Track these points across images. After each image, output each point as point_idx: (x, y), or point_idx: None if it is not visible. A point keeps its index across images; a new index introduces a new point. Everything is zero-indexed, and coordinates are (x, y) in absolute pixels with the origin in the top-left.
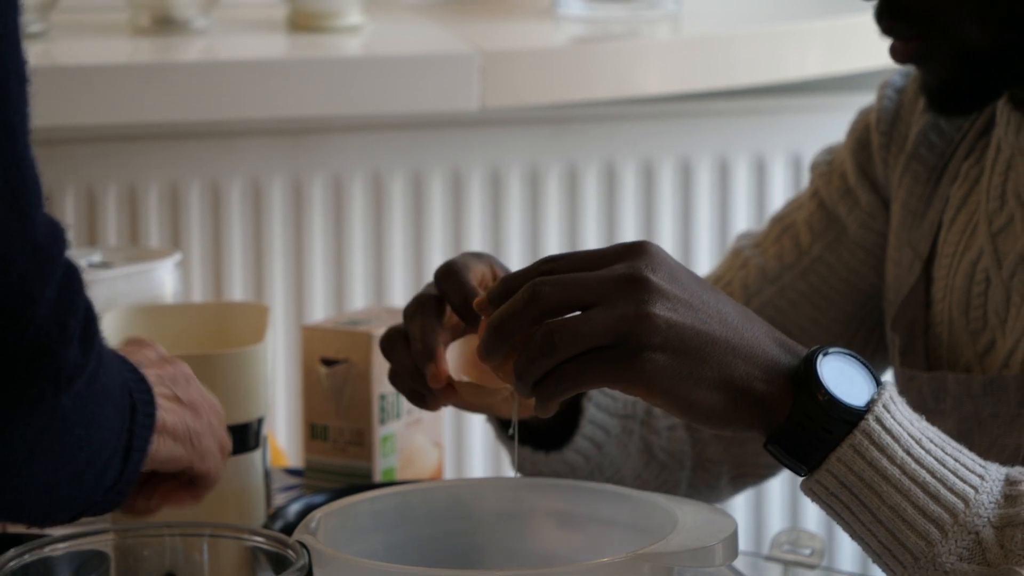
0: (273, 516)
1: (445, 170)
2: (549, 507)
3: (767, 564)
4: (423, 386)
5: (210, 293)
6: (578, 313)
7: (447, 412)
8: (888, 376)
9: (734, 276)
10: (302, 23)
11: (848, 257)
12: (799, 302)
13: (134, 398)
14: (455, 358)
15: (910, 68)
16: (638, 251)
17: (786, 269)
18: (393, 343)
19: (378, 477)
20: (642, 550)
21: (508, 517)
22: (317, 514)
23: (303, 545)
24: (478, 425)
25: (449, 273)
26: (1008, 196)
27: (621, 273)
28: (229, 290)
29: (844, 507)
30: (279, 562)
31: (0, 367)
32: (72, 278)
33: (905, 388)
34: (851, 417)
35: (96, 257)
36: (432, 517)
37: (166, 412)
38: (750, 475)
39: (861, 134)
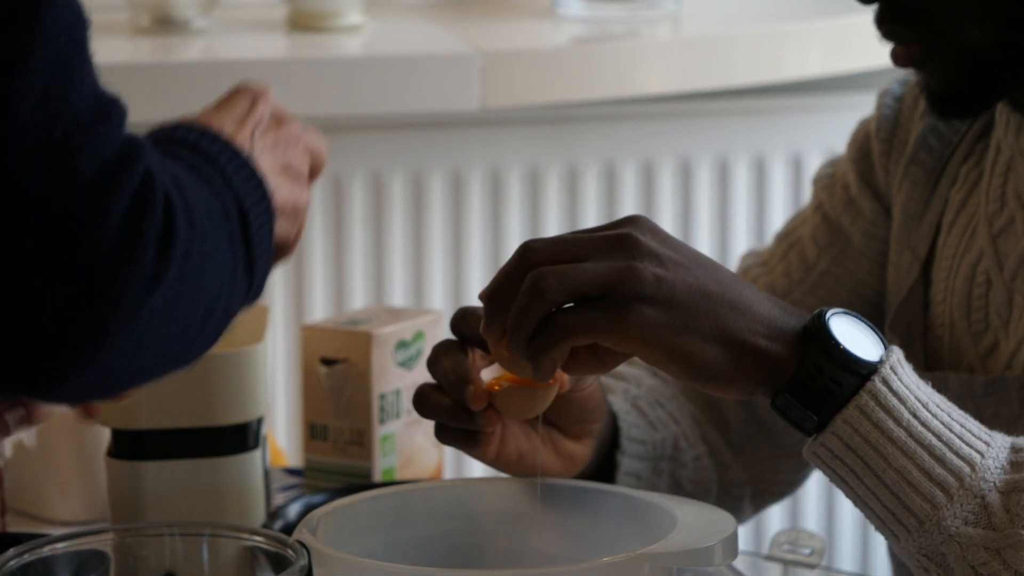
0: (273, 516)
1: (445, 170)
2: (549, 507)
3: (767, 564)
4: (469, 422)
5: None
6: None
7: None
8: None
9: None
10: (302, 23)
11: (854, 268)
12: None
13: (247, 214)
14: (490, 380)
15: (908, 76)
16: (633, 219)
17: (794, 286)
18: (425, 395)
19: (378, 477)
20: (642, 550)
21: (508, 517)
22: (317, 514)
23: (303, 545)
24: None
25: (464, 316)
26: (1008, 197)
27: (611, 233)
28: None
29: (848, 470)
30: (279, 562)
31: (76, 281)
32: (148, 181)
33: None
34: (862, 370)
35: None
36: (432, 517)
37: (277, 190)
38: (768, 492)
39: (862, 144)
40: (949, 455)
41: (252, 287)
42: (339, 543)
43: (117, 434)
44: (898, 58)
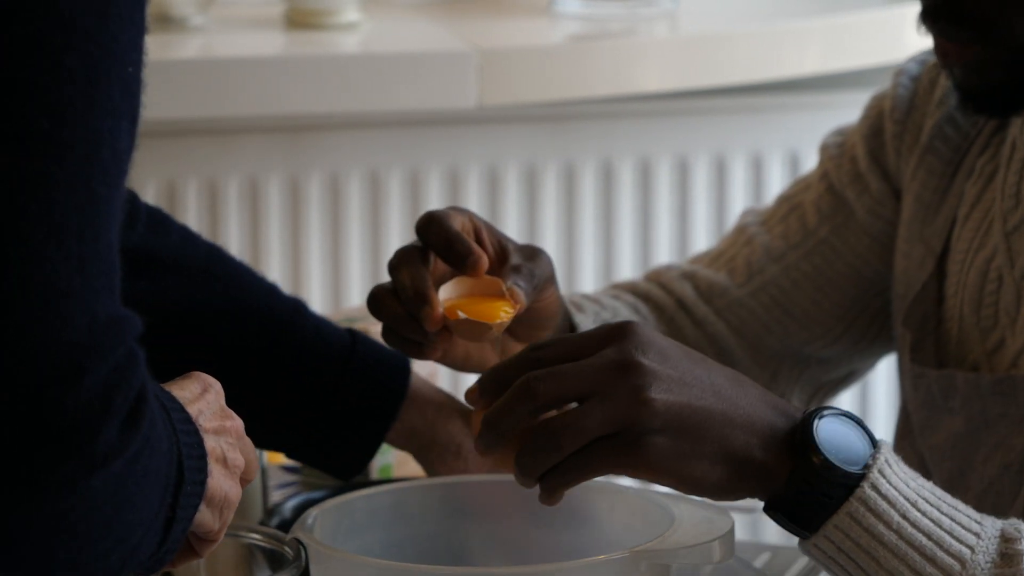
0: (270, 513)
1: (442, 167)
2: (545, 504)
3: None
4: (419, 334)
5: None
6: (575, 406)
7: None
8: (884, 377)
9: (738, 252)
10: (299, 20)
11: (854, 242)
12: (802, 283)
13: (184, 467)
14: (446, 299)
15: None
16: (625, 334)
17: (791, 249)
18: (380, 298)
19: (375, 474)
20: (639, 547)
21: (504, 514)
22: (314, 511)
23: (300, 542)
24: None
25: (430, 221)
26: (1023, 196)
27: (613, 359)
28: None
29: (842, 569)
30: (276, 559)
31: (34, 437)
32: (132, 361)
33: (914, 386)
34: (848, 481)
35: None
36: (428, 514)
37: (212, 479)
38: None
39: (874, 121)
40: (940, 554)
41: (160, 550)
42: (336, 540)
43: None
44: (947, 56)
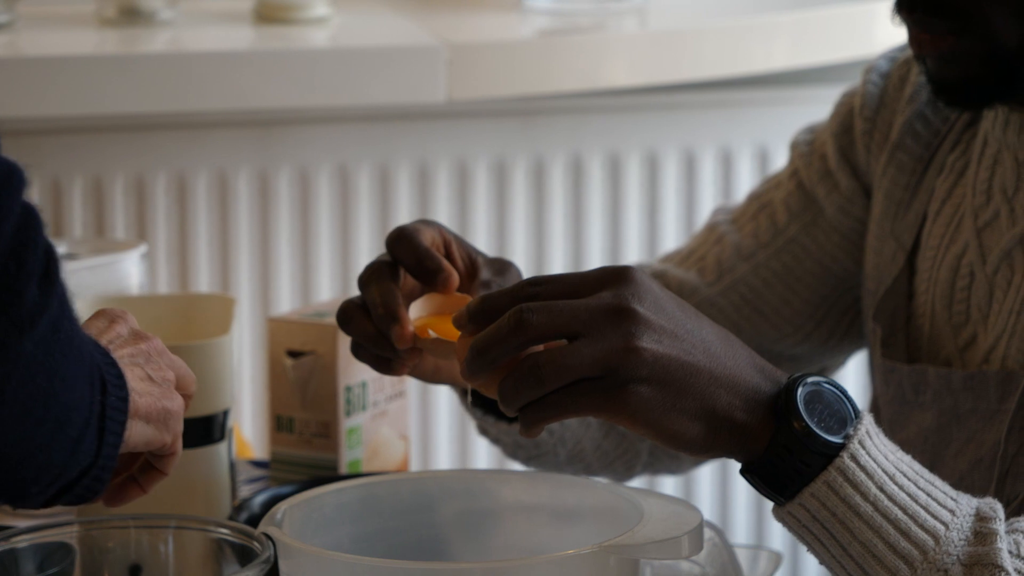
0: (238, 508)
1: (412, 162)
2: (515, 499)
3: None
4: (388, 350)
5: (176, 285)
6: (565, 343)
7: (413, 405)
8: (853, 371)
9: (708, 251)
10: (268, 15)
11: (824, 240)
12: (772, 281)
13: (105, 377)
14: (416, 318)
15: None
16: (623, 279)
17: (761, 247)
18: (350, 314)
19: (344, 469)
20: (608, 542)
21: (474, 509)
22: (282, 506)
23: (268, 537)
24: (444, 417)
25: (400, 237)
26: (994, 191)
27: (608, 303)
28: (195, 282)
29: (815, 538)
30: (244, 554)
31: None
32: (31, 217)
33: (885, 380)
34: (828, 450)
35: (62, 249)
36: (398, 509)
37: (139, 396)
38: (664, 467)
39: (844, 118)
40: (914, 528)
41: (97, 461)
42: (305, 535)
43: None
44: (922, 46)
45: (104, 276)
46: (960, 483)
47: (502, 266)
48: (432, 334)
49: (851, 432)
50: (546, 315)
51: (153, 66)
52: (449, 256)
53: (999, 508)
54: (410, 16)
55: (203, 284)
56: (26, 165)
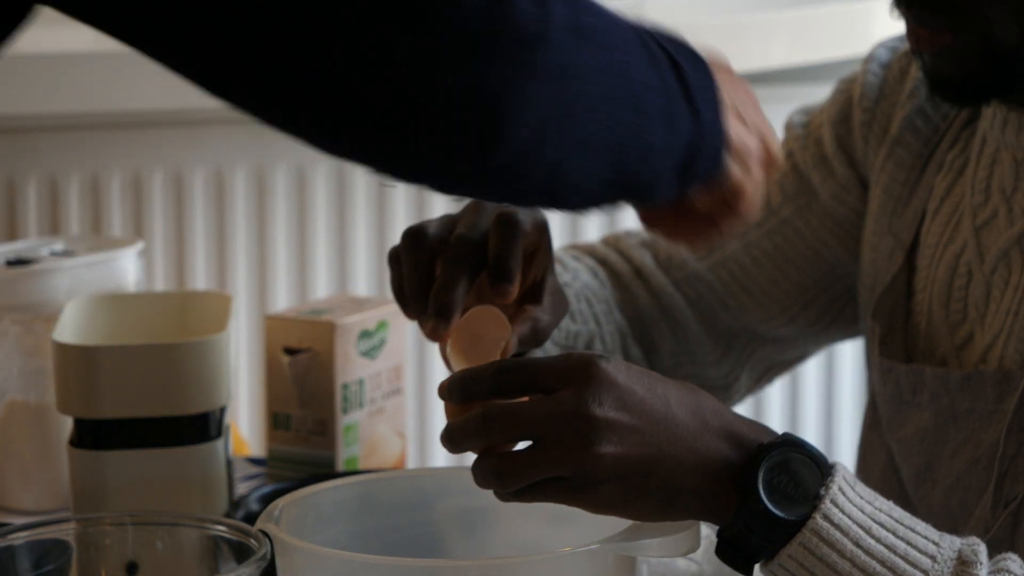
0: (235, 505)
1: None
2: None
3: None
4: (418, 311)
5: (173, 282)
6: (526, 446)
7: (410, 402)
8: (851, 369)
9: None
10: None
11: (816, 225)
12: (762, 261)
13: (677, 60)
14: (459, 328)
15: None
16: (585, 377)
17: (753, 226)
18: (416, 252)
19: (341, 466)
20: (605, 540)
21: (471, 507)
22: (279, 503)
23: (265, 534)
24: (441, 414)
25: (508, 222)
26: (993, 191)
27: (567, 410)
28: (192, 279)
29: None
30: (241, 551)
31: (456, 44)
32: None
33: (883, 379)
34: (789, 529)
35: (59, 246)
36: (395, 507)
37: (730, 127)
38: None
39: (843, 107)
40: None
41: (700, 131)
42: (302, 533)
43: (79, 423)
44: (921, 42)
45: (101, 273)
46: (957, 483)
47: (557, 303)
48: (452, 359)
49: (822, 492)
50: (506, 421)
51: (150, 64)
52: (526, 266)
53: (982, 551)
54: None
55: (200, 281)
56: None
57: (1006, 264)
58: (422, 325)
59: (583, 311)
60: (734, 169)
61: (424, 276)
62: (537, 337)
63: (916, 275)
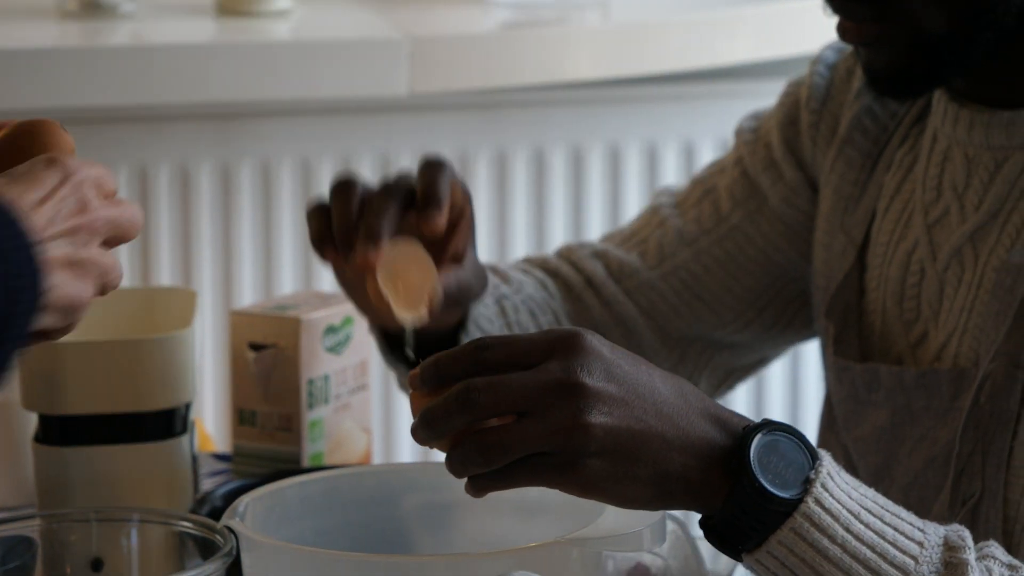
0: (200, 501)
1: (374, 155)
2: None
3: None
4: (346, 245)
5: (137, 278)
6: (512, 420)
7: (376, 398)
8: (815, 369)
9: (651, 234)
10: (230, 7)
11: (767, 229)
12: (714, 268)
13: (14, 293)
14: (387, 258)
15: (843, 44)
16: (572, 347)
17: (704, 234)
18: (346, 194)
19: (306, 462)
20: (570, 535)
21: (437, 502)
22: (245, 499)
23: (231, 530)
24: (406, 410)
25: (439, 164)
26: (944, 188)
27: (556, 378)
28: (157, 275)
29: None
30: (207, 547)
31: None
32: None
33: (838, 378)
34: (784, 507)
35: None
36: (361, 502)
37: (57, 287)
38: None
39: (790, 109)
40: (884, 565)
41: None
42: (267, 529)
43: (44, 419)
44: (847, 34)
45: None
46: (915, 481)
47: (479, 274)
48: (385, 293)
49: (812, 476)
50: (493, 393)
51: (114, 59)
52: (450, 234)
53: (967, 536)
54: (372, 9)
55: (165, 277)
56: None
57: (959, 261)
58: (348, 260)
59: (522, 322)
60: (50, 320)
61: (353, 214)
62: (461, 295)
63: (868, 273)
